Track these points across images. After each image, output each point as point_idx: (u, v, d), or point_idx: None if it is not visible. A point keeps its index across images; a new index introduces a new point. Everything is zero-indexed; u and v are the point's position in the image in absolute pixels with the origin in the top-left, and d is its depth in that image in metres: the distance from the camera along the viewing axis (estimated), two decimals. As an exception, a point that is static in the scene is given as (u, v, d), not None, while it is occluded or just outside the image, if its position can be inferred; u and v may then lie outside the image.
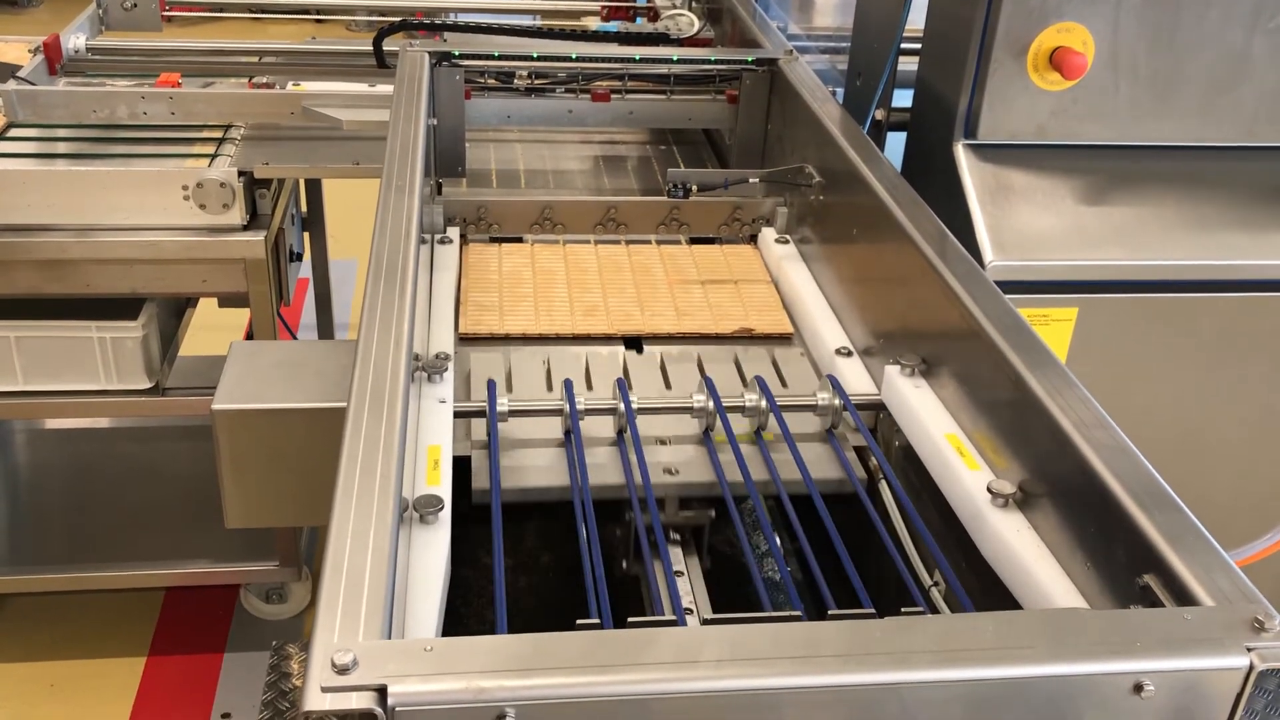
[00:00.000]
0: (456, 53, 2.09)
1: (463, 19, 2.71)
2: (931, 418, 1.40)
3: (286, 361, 1.43)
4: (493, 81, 2.18)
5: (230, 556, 2.76)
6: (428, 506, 1.14)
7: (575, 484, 1.37)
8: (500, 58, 2.11)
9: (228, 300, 2.57)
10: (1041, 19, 1.73)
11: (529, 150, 2.48)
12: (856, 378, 1.64)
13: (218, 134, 2.45)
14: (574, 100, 2.20)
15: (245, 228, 2.31)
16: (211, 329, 3.11)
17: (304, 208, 3.27)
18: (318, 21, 7.22)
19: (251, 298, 2.39)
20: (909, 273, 1.55)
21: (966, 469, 1.30)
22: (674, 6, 2.68)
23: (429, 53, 2.08)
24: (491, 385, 1.49)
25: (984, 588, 1.24)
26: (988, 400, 1.34)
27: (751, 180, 1.94)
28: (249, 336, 3.21)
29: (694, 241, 2.13)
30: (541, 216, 2.05)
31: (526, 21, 2.93)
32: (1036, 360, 1.27)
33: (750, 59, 2.16)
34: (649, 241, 2.13)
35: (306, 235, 3.34)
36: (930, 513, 1.39)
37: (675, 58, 2.16)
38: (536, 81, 2.18)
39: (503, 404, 1.48)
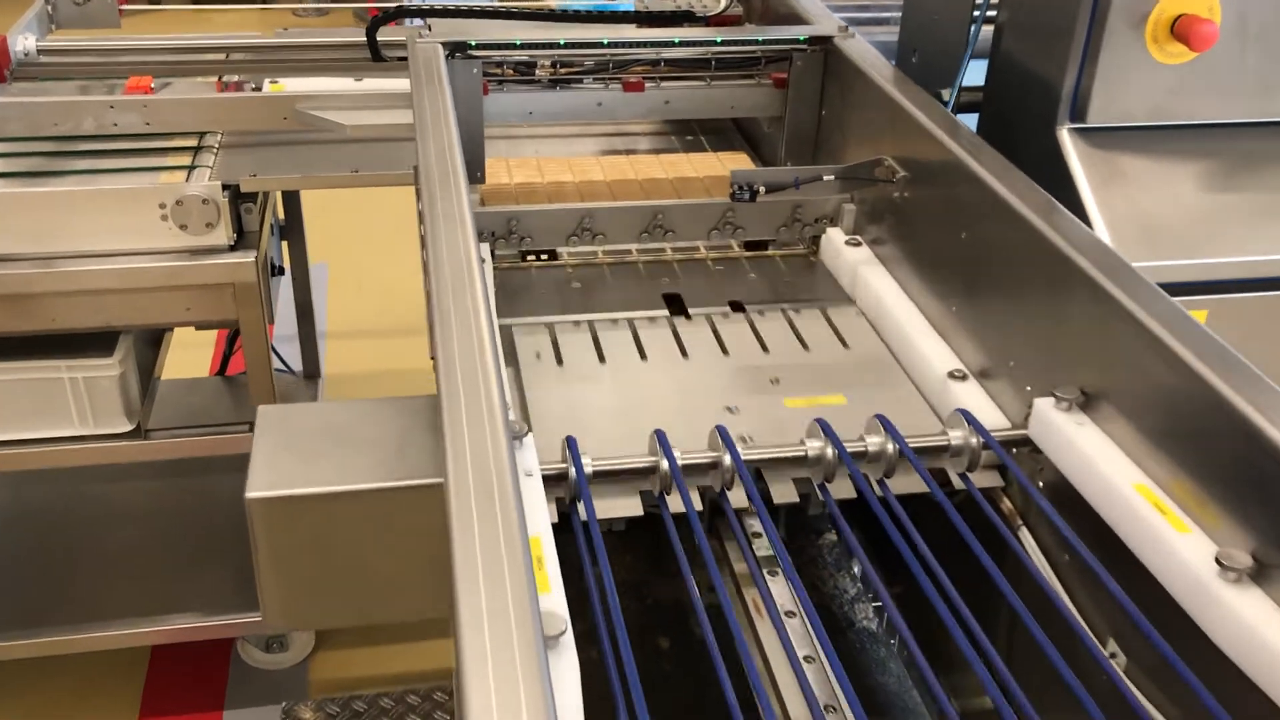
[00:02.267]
0: (473, 42, 1.84)
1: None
2: (1111, 465, 1.17)
3: (327, 428, 1.18)
4: (511, 73, 1.92)
5: (223, 607, 2.49)
6: (549, 629, 0.90)
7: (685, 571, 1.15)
8: (522, 46, 1.86)
9: (211, 325, 2.31)
10: (1165, -17, 1.51)
11: (543, 148, 2.22)
12: (980, 406, 1.42)
13: (192, 141, 2.17)
14: (603, 91, 1.95)
15: (232, 248, 2.04)
16: (187, 347, 2.84)
17: (281, 214, 2.99)
18: (262, 9, 6.85)
19: (243, 325, 2.12)
20: (1048, 281, 1.33)
21: (1174, 531, 1.08)
22: (691, -19, 2.43)
23: (442, 43, 1.82)
24: (573, 445, 1.25)
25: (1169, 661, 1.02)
26: (1188, 442, 1.12)
27: (826, 178, 1.71)
28: (224, 359, 2.94)
29: (749, 246, 1.90)
30: (580, 227, 1.80)
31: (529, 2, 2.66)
32: (1254, 389, 1.06)
33: (802, 38, 1.92)
34: (697, 252, 1.89)
35: (284, 244, 3.06)
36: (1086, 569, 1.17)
37: (719, 39, 1.92)
38: (561, 71, 1.92)
39: (588, 464, 1.24)
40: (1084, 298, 1.26)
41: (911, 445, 1.31)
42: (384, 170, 2.05)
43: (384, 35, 2.19)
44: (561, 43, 1.86)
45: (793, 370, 1.58)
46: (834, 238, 1.84)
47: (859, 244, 1.81)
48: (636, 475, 1.28)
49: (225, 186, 2.01)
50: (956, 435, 1.33)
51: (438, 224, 1.33)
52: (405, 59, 2.21)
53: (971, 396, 1.44)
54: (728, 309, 1.75)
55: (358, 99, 1.89)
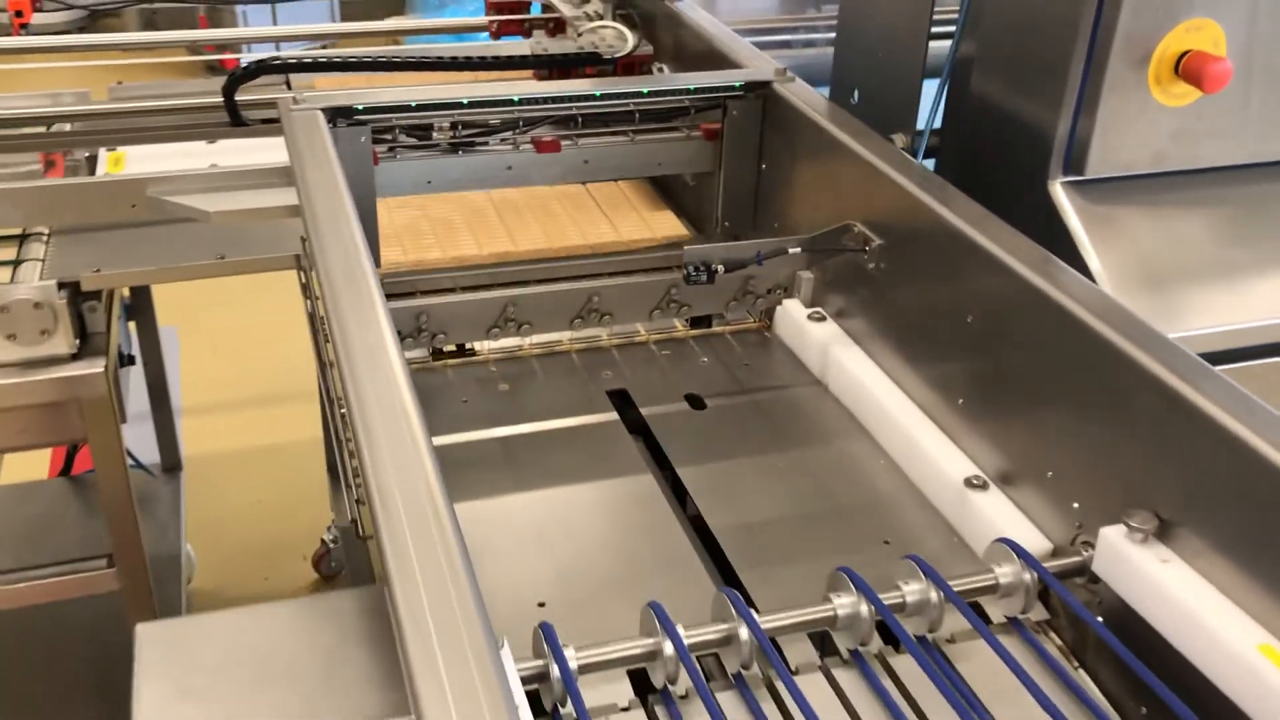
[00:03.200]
0: (360, 106, 1.55)
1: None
2: (1220, 619, 0.96)
3: (238, 651, 0.89)
4: (404, 138, 1.64)
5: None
6: None
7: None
8: (419, 109, 1.58)
9: (52, 445, 1.95)
10: (1170, 16, 1.33)
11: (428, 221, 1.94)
12: (1011, 522, 1.21)
13: (15, 229, 1.82)
14: (512, 153, 1.68)
15: (75, 356, 1.70)
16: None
17: (126, 291, 2.62)
18: (87, 65, 6.33)
19: (93, 447, 1.78)
20: (1094, 375, 1.12)
21: (1326, 708, 0.88)
22: (587, 17, 2.18)
23: (323, 109, 1.53)
24: (550, 636, 0.99)
25: None
26: (1320, 591, 0.92)
27: (792, 251, 1.47)
28: (68, 457, 2.55)
29: (694, 324, 1.66)
30: (502, 317, 1.53)
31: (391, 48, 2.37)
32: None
33: (738, 84, 1.69)
34: (638, 335, 1.64)
35: (131, 325, 2.69)
36: None
37: (646, 90, 1.67)
38: (462, 133, 1.65)
39: (573, 657, 0.98)
40: (1148, 398, 1.06)
41: (956, 588, 1.08)
42: (258, 254, 1.74)
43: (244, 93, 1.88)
44: (465, 102, 1.59)
45: (775, 482, 1.34)
46: (792, 311, 1.61)
47: (823, 318, 1.58)
48: (632, 660, 1.02)
49: (62, 285, 1.67)
50: (1006, 572, 1.11)
51: (350, 343, 1.05)
52: (271, 121, 1.91)
53: (998, 511, 1.23)
54: (684, 404, 1.50)
55: (221, 178, 1.58)
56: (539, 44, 2.05)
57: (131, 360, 2.52)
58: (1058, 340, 1.17)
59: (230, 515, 3.19)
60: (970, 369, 1.30)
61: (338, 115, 1.55)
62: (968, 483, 1.26)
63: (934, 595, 1.07)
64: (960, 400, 1.32)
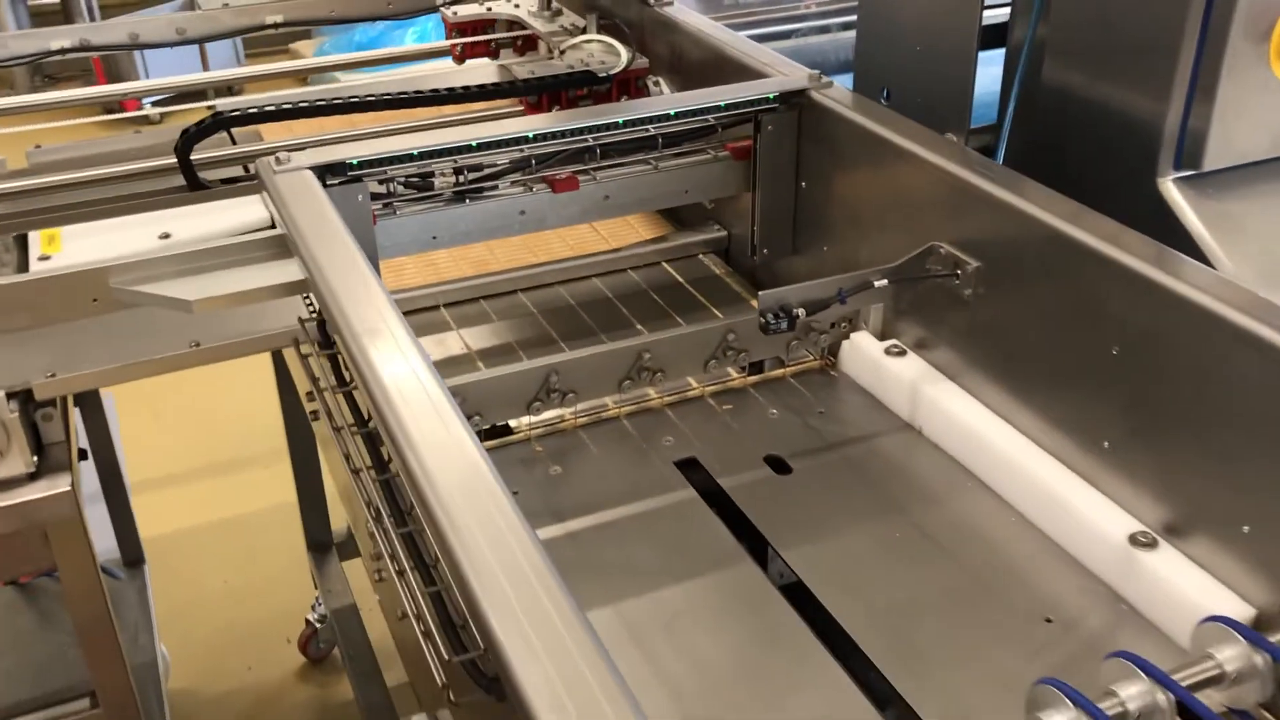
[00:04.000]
0: (354, 160, 1.33)
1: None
2: None
3: None
4: (403, 190, 1.42)
5: None
6: None
7: None
8: (421, 156, 1.36)
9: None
10: (1295, -18, 1.16)
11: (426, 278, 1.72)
12: (1199, 587, 1.04)
13: (-54, 330, 1.56)
14: (525, 196, 1.47)
15: (34, 476, 1.46)
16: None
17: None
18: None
19: (64, 576, 1.54)
20: (1273, 396, 0.95)
21: None
22: (565, 31, 1.97)
23: (312, 168, 1.31)
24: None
25: None
26: None
27: (878, 283, 1.28)
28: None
29: (753, 369, 1.46)
30: (544, 388, 1.32)
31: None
32: None
33: (771, 95, 1.50)
34: (691, 388, 1.44)
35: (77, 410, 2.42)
36: None
37: (673, 112, 1.47)
38: (468, 178, 1.44)
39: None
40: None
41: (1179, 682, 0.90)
42: (239, 335, 1.51)
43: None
44: (474, 145, 1.38)
45: (896, 556, 1.16)
46: (863, 345, 1.43)
47: (903, 352, 1.40)
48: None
49: (11, 395, 1.42)
50: (1230, 656, 0.93)
51: (416, 444, 0.86)
52: (232, 181, 1.68)
53: (1178, 572, 1.06)
54: (765, 468, 1.31)
55: (198, 258, 1.34)
56: (523, 66, 1.84)
57: (84, 454, 2.26)
58: (1239, 367, 1.00)
59: (201, 601, 2.93)
60: (1118, 407, 1.12)
61: (327, 173, 1.33)
62: (1134, 540, 1.09)
63: (1161, 698, 0.89)
64: (1106, 443, 1.14)
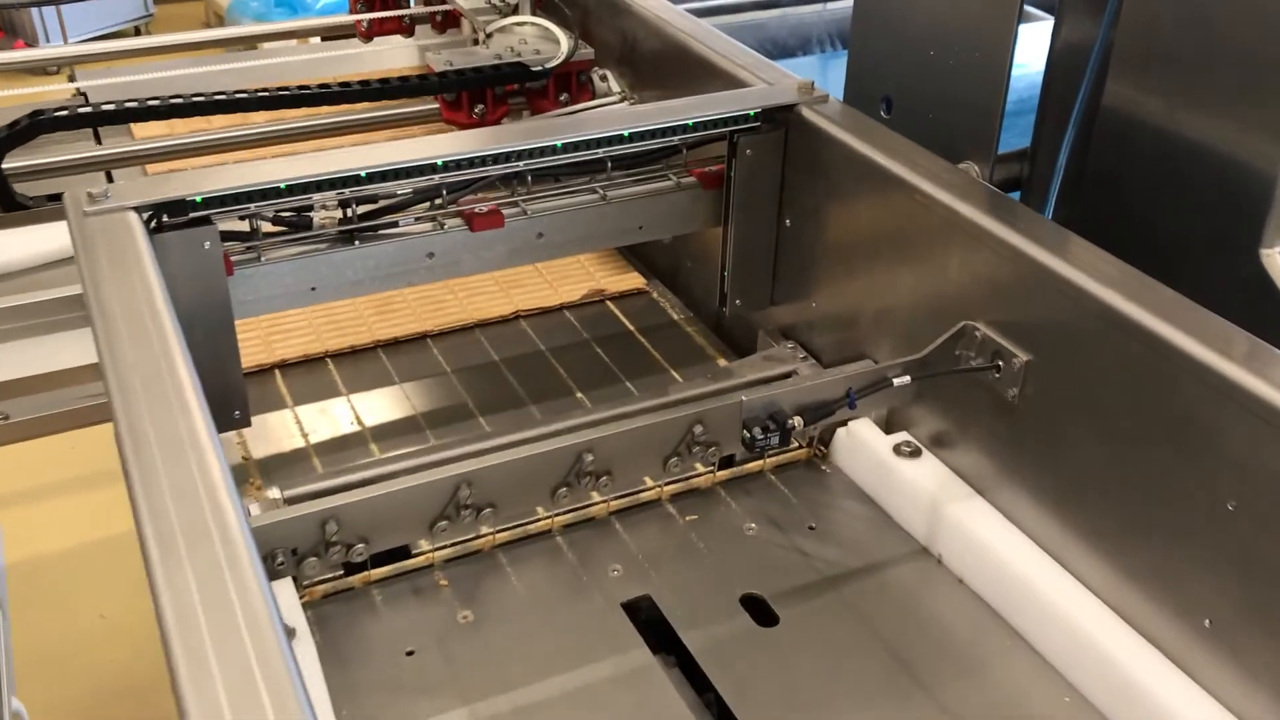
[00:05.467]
0: (198, 197, 0.98)
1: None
2: None
3: None
4: (270, 229, 1.08)
5: None
6: None
7: None
8: (290, 191, 1.02)
9: None
10: None
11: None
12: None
13: None
14: (435, 235, 1.14)
15: None
16: None
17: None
18: None
19: None
20: None
21: None
22: (495, 9, 1.61)
23: (137, 209, 0.96)
24: None
25: None
26: None
27: (898, 382, 0.97)
28: None
29: (724, 465, 1.15)
30: (452, 503, 1.00)
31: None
32: None
33: (752, 111, 1.17)
34: (645, 488, 1.13)
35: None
36: None
37: (627, 133, 1.14)
38: (358, 214, 1.10)
39: None
40: None
41: None
42: (49, 409, 1.17)
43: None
44: (363, 175, 1.03)
45: (935, 773, 0.86)
46: (863, 437, 1.12)
47: (917, 452, 1.09)
48: None
49: None
50: None
51: (181, 575, 0.55)
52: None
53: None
54: (744, 614, 1.00)
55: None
56: (440, 52, 1.49)
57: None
58: None
59: (71, 642, 2.56)
60: (1228, 573, 0.83)
61: (163, 212, 0.98)
62: (1253, 765, 0.80)
63: None
64: (1208, 621, 0.84)
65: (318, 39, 1.80)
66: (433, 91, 1.43)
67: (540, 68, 1.45)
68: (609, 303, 1.44)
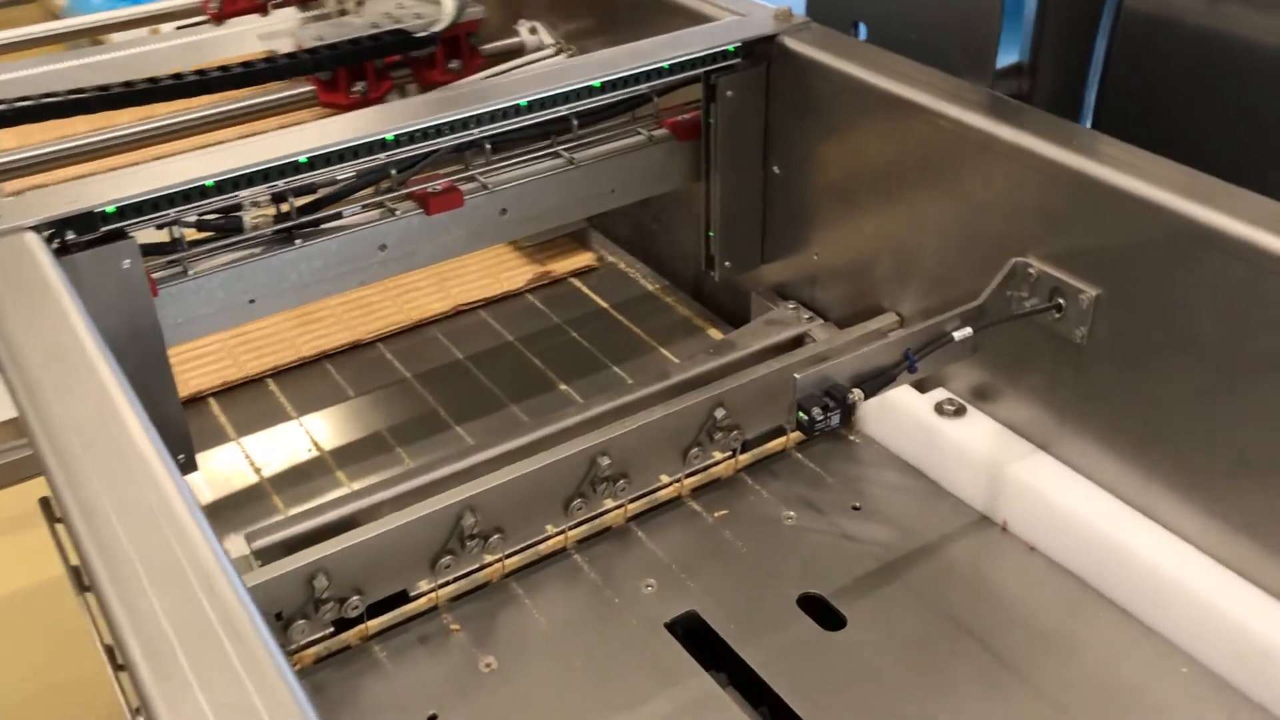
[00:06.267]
0: (110, 207, 0.81)
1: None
2: None
3: None
4: (195, 235, 0.92)
5: None
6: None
7: None
8: (220, 188, 0.85)
9: None
10: None
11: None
12: None
13: None
14: (386, 222, 0.98)
15: None
16: None
17: None
18: None
19: None
20: None
21: None
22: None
23: (36, 227, 0.79)
24: None
25: None
26: None
27: (959, 335, 0.85)
28: None
29: (745, 447, 1.02)
30: (455, 535, 0.85)
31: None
32: None
33: (731, 46, 1.04)
34: (669, 492, 0.99)
35: None
36: None
37: (597, 81, 0.99)
38: (296, 208, 0.94)
39: None
40: None
41: None
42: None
43: None
44: (304, 160, 0.87)
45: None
46: (897, 399, 1.00)
47: (962, 410, 0.98)
48: None
49: None
50: None
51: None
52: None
53: None
54: (804, 617, 0.87)
55: None
56: (306, 27, 1.32)
57: None
58: None
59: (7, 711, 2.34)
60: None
61: (68, 229, 0.81)
62: None
63: None
64: (1348, 567, 0.75)
65: (172, 26, 1.59)
66: (304, 71, 1.26)
67: (424, 33, 1.29)
68: (574, 280, 1.30)
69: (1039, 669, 0.83)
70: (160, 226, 0.88)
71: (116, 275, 0.83)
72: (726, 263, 1.15)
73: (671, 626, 0.87)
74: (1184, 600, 0.82)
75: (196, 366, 1.16)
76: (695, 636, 0.87)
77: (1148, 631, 0.84)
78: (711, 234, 1.13)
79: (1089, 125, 1.07)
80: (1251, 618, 0.78)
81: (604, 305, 1.26)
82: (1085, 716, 0.79)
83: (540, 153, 1.05)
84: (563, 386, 1.13)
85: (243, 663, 0.48)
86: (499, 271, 1.30)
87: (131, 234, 0.83)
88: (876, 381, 0.82)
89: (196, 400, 1.13)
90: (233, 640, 0.49)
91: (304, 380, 1.17)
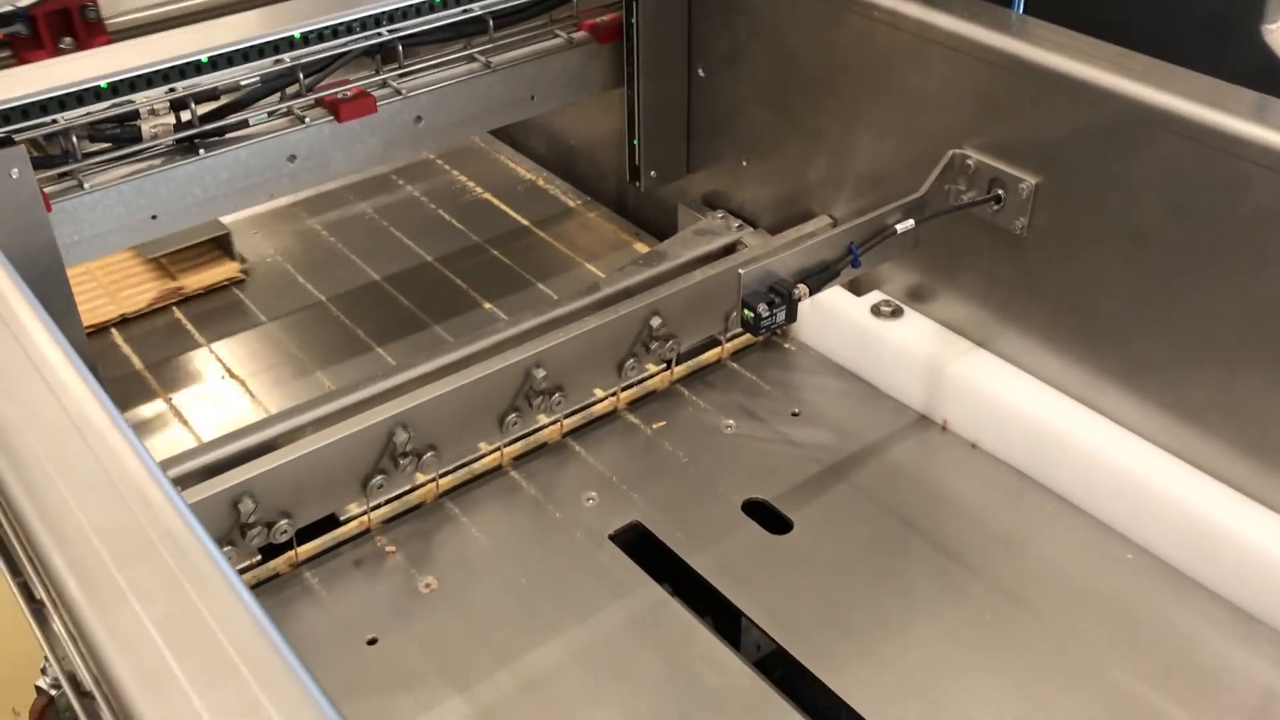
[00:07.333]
0: (-8, 110, 0.74)
1: None
2: None
3: None
4: (90, 148, 0.85)
5: None
6: None
7: None
8: (114, 90, 0.79)
9: None
10: None
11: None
12: None
13: None
14: (295, 130, 0.92)
15: None
16: None
17: None
18: None
19: None
20: None
21: None
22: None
23: (-90, 132, 0.72)
24: None
25: None
26: None
27: (900, 228, 0.83)
28: None
29: (681, 360, 0.99)
30: (387, 454, 0.81)
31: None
32: None
33: (653, -61, 1.00)
34: (604, 405, 0.96)
35: None
36: None
37: (515, -24, 0.94)
38: (198, 114, 0.87)
39: None
40: None
41: None
42: None
43: None
44: (204, 60, 0.81)
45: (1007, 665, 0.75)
46: (834, 304, 0.98)
47: (899, 311, 0.96)
48: None
49: None
50: None
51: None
52: None
53: None
54: (749, 521, 0.85)
55: None
56: None
57: None
58: None
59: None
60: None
61: (-58, 134, 0.74)
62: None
63: None
64: (1294, 445, 0.75)
65: None
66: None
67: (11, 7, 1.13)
68: (492, 197, 1.25)
69: (990, 563, 0.82)
70: (49, 137, 0.82)
71: (5, 185, 0.77)
72: (652, 173, 1.11)
73: (616, 538, 0.85)
74: (1127, 488, 0.82)
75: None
76: (640, 547, 0.84)
77: (1092, 521, 0.84)
78: (635, 142, 1.10)
79: (1020, 11, 1.06)
80: (1196, 501, 0.79)
81: (525, 222, 1.21)
82: (1043, 606, 0.78)
83: (454, 56, 1.00)
84: (487, 305, 1.09)
85: (187, 576, 0.44)
86: (116, 291, 1.10)
87: (19, 141, 0.77)
88: (821, 276, 0.79)
89: (101, 329, 1.07)
90: (173, 554, 0.45)
91: (211, 304, 1.11)
